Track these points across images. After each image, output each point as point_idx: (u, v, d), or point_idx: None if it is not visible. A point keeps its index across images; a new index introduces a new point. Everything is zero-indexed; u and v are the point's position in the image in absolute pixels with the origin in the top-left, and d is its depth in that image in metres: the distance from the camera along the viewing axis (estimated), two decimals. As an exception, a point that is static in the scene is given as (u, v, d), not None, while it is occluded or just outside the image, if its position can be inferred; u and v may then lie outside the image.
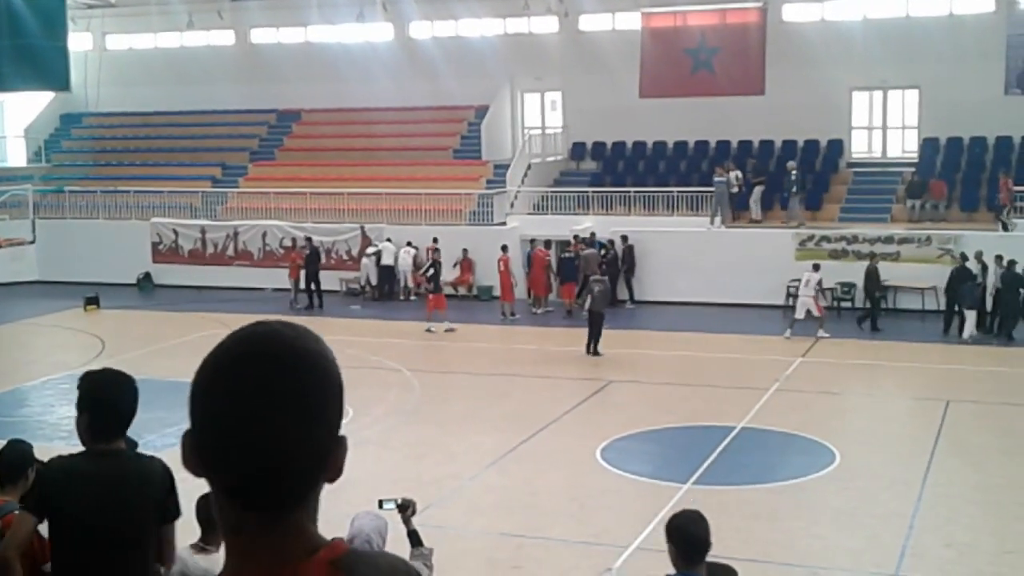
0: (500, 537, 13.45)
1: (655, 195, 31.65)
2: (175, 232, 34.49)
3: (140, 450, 6.84)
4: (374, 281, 31.46)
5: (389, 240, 31.39)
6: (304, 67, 37.75)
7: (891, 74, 32.03)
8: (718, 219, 30.04)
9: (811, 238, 28.42)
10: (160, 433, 17.39)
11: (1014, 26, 29.76)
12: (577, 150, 35.58)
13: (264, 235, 33.39)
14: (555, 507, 14.55)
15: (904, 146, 33.04)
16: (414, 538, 6.65)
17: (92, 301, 30.53)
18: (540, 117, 36.90)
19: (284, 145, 38.27)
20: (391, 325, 27.36)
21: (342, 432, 1.86)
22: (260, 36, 39.44)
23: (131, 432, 7.61)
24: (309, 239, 31.12)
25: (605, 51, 34.06)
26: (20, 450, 6.50)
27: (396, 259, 31.06)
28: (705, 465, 15.84)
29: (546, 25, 35.57)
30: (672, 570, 5.72)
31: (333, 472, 1.84)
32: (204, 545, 6.71)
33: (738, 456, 16.43)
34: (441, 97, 35.85)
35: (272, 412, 1.76)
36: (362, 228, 32.16)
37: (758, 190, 30.90)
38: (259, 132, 38.97)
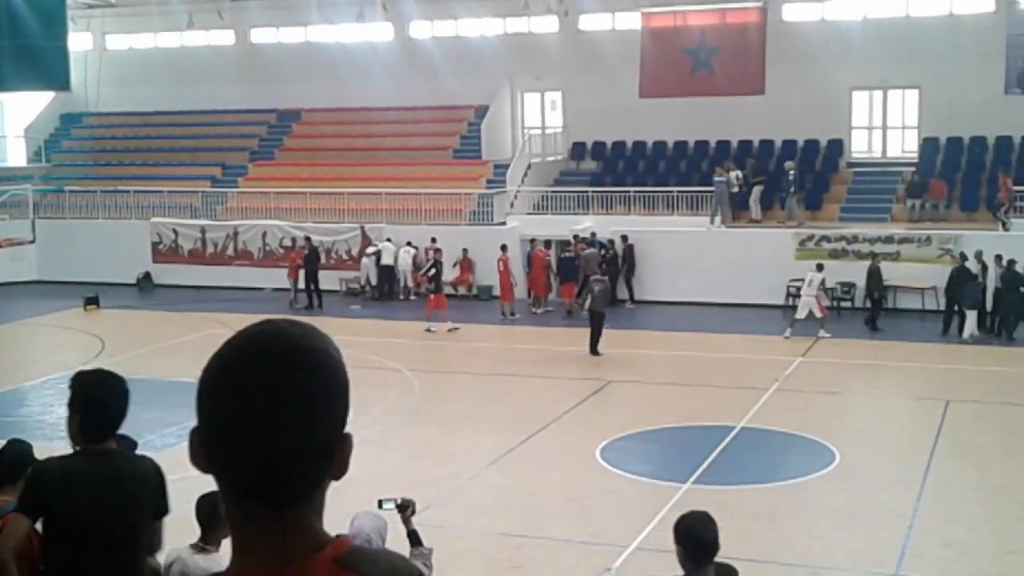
0: (500, 537, 13.45)
1: (655, 195, 31.65)
2: (175, 232, 34.49)
3: (140, 450, 6.85)
4: (374, 281, 31.47)
5: (389, 240, 31.39)
6: (304, 67, 37.75)
7: (891, 74, 32.03)
8: (718, 219, 30.04)
9: (811, 238, 28.42)
10: (160, 433, 17.42)
11: (1014, 26, 29.76)
12: (577, 150, 35.58)
13: (264, 235, 33.40)
14: (555, 507, 14.55)
15: (904, 146, 33.03)
16: (414, 538, 6.65)
17: (92, 301, 30.53)
18: (540, 117, 36.90)
19: (284, 145, 38.27)
20: (391, 325, 27.37)
21: (346, 430, 1.87)
22: (260, 36, 39.44)
23: (131, 432, 7.63)
24: (308, 239, 31.12)
25: (605, 51, 34.06)
26: (20, 450, 6.50)
27: (396, 259, 31.06)
28: (705, 465, 15.84)
29: (546, 25, 35.57)
30: (680, 571, 5.72)
31: (339, 470, 1.86)
32: (204, 545, 6.71)
33: (738, 456, 16.43)
34: (441, 97, 35.85)
35: (278, 410, 1.78)
36: (362, 228, 32.16)
37: (757, 190, 30.90)
38: (259, 132, 38.98)
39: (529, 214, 32.18)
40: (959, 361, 22.83)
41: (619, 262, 29.23)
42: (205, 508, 6.73)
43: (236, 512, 1.84)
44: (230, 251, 33.91)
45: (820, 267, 25.51)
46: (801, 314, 24.72)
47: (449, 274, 29.57)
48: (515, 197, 32.61)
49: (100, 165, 38.98)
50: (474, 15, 35.75)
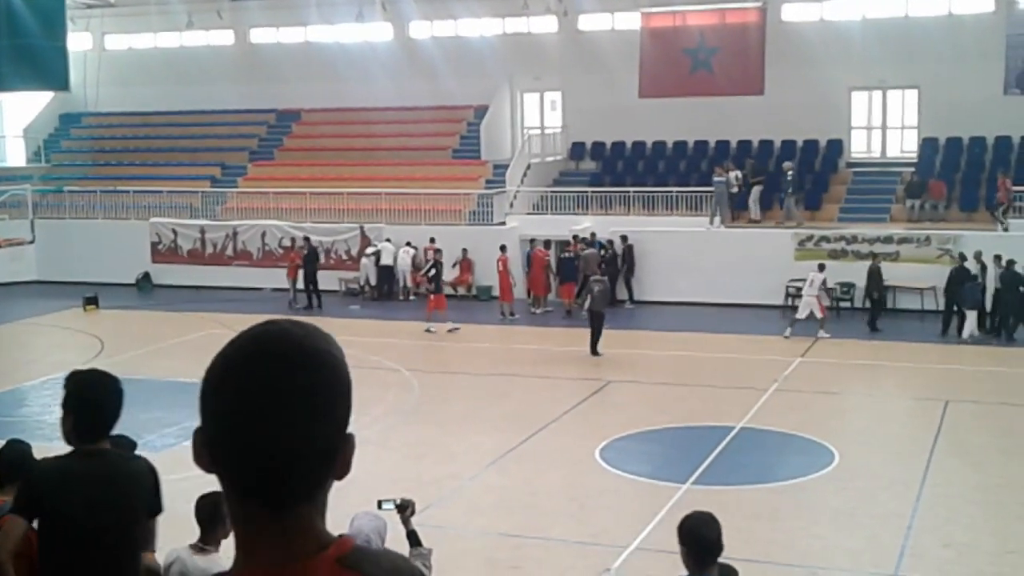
0: (499, 537, 13.45)
1: (654, 195, 31.66)
2: (174, 232, 34.49)
3: (139, 450, 6.85)
4: (373, 281, 31.46)
5: (388, 240, 31.39)
6: (303, 67, 37.75)
7: (890, 74, 32.04)
8: (717, 219, 30.04)
9: (810, 238, 28.43)
10: (159, 433, 17.42)
11: (1013, 26, 29.77)
12: (576, 150, 35.59)
13: (263, 235, 33.40)
14: (554, 507, 14.55)
15: (903, 146, 33.05)
16: (413, 538, 6.65)
17: (91, 301, 30.52)
18: (539, 117, 36.91)
19: (283, 145, 38.27)
20: (390, 325, 27.37)
21: (349, 430, 1.88)
22: (259, 36, 39.44)
23: (130, 432, 7.63)
24: (307, 239, 31.12)
25: (604, 51, 34.07)
26: (19, 450, 6.50)
27: (395, 259, 31.06)
28: (704, 465, 15.84)
29: (545, 25, 35.58)
30: (683, 571, 5.73)
31: (341, 470, 1.87)
32: (203, 545, 6.71)
33: (737, 456, 16.43)
34: (440, 97, 35.85)
35: (280, 410, 1.79)
36: (361, 228, 32.16)
37: (756, 190, 30.91)
38: (258, 132, 38.98)
39: (528, 214, 32.18)
40: (958, 361, 22.83)
41: (619, 262, 29.23)
42: (205, 508, 6.73)
43: (239, 512, 1.85)
44: (229, 251, 33.91)
45: (822, 267, 25.51)
46: (802, 314, 24.72)
47: (448, 274, 29.57)
48: (514, 197, 32.61)
49: (99, 165, 38.98)
50: (473, 15, 35.76)
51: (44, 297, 32.63)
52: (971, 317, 24.47)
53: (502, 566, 12.59)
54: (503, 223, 31.57)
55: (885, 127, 33.32)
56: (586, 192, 32.33)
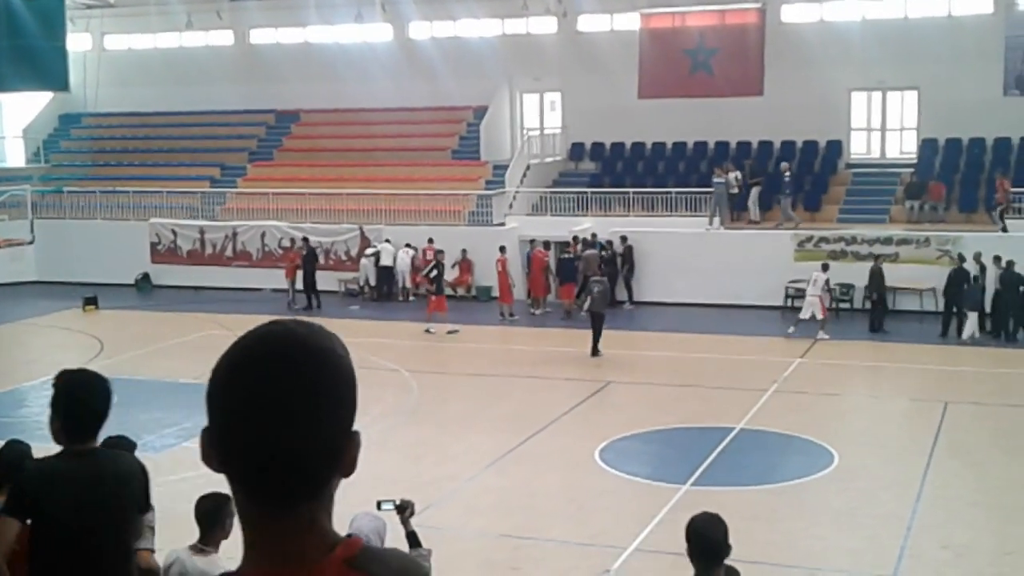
0: (498, 538, 13.45)
1: (654, 196, 31.66)
2: (174, 232, 34.48)
3: (139, 451, 6.86)
4: (373, 282, 31.46)
5: (388, 241, 31.39)
6: (303, 67, 37.75)
7: (890, 75, 32.05)
8: (716, 220, 30.04)
9: (810, 239, 28.42)
10: (159, 434, 17.44)
11: (1012, 27, 29.79)
12: (576, 151, 35.59)
13: (263, 236, 33.39)
14: (553, 508, 14.55)
15: (903, 147, 33.06)
16: (412, 539, 6.66)
17: (90, 301, 30.52)
18: (539, 118, 36.91)
19: (283, 146, 38.26)
20: (390, 326, 27.36)
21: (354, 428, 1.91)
22: (259, 36, 39.44)
23: (129, 432, 7.63)
24: (306, 239, 31.14)
25: (604, 52, 34.06)
26: (18, 450, 6.51)
27: (395, 260, 31.06)
28: (704, 466, 15.85)
29: (545, 26, 35.58)
30: (686, 572, 5.74)
31: (347, 467, 1.89)
32: (203, 546, 6.71)
33: (737, 457, 16.43)
34: (440, 98, 35.86)
35: (286, 408, 1.81)
36: (361, 229, 32.16)
37: (755, 191, 30.90)
38: (258, 133, 38.97)
39: (528, 215, 32.18)
40: (958, 362, 22.84)
41: (619, 263, 29.23)
42: (205, 509, 6.73)
43: (247, 511, 1.87)
44: (229, 252, 33.91)
45: (825, 267, 25.51)
46: (805, 314, 24.78)
47: (448, 275, 29.55)
48: (514, 198, 32.61)
49: (99, 166, 38.97)
50: (473, 16, 35.76)
51: (43, 297, 32.61)
52: (972, 318, 24.47)
53: (501, 567, 12.59)
54: (502, 224, 31.57)
55: (884, 128, 33.32)
56: (585, 193, 32.33)
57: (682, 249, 29.09)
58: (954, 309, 25.07)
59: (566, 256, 28.96)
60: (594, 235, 29.54)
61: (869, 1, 32.13)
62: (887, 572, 12.15)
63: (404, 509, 6.69)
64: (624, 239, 29.39)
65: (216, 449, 1.86)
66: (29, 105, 39.91)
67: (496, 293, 29.15)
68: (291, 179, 35.11)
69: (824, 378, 21.66)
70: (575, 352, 23.58)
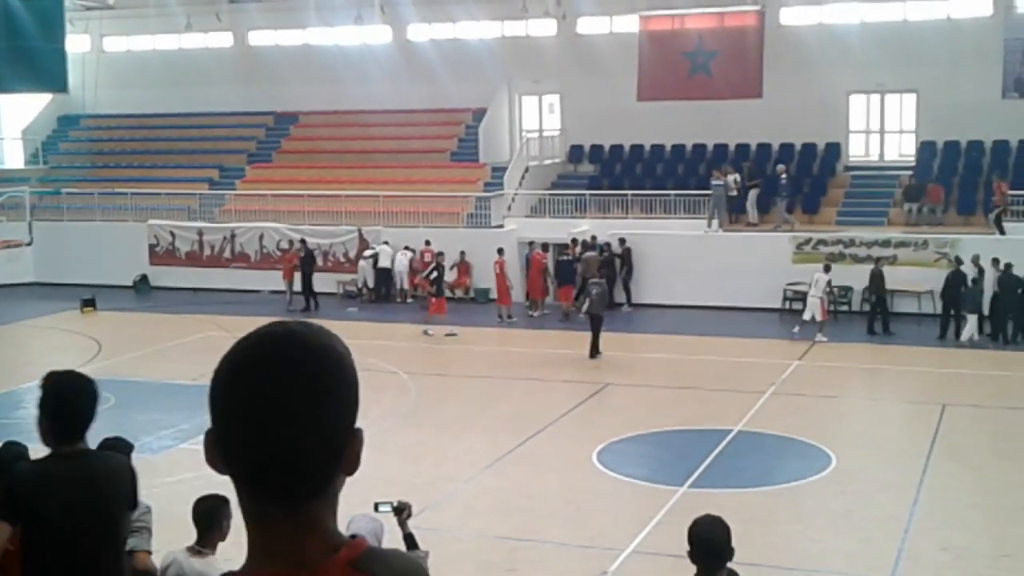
0: (495, 540, 13.45)
1: (652, 198, 31.67)
2: (172, 234, 34.48)
3: (136, 452, 6.86)
4: (371, 283, 31.47)
5: (386, 243, 31.39)
6: (302, 69, 37.75)
7: (889, 78, 32.07)
8: (715, 222, 30.05)
9: (808, 241, 28.43)
10: (156, 435, 17.44)
11: (1011, 30, 29.83)
12: (575, 153, 35.60)
13: (261, 237, 33.39)
14: (551, 510, 14.55)
15: (901, 149, 33.08)
16: (410, 541, 6.66)
17: (88, 303, 30.52)
18: (538, 120, 36.92)
19: (281, 147, 38.27)
20: (388, 328, 27.37)
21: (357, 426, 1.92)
22: (258, 38, 39.44)
23: (127, 434, 7.64)
24: (303, 241, 31.15)
25: (603, 54, 34.09)
26: (16, 452, 6.52)
27: (393, 262, 31.06)
28: (701, 468, 15.85)
29: (544, 28, 35.60)
30: (687, 574, 5.75)
31: (350, 465, 1.90)
32: (200, 548, 6.71)
33: (734, 459, 16.43)
34: (439, 100, 35.88)
35: (288, 407, 1.82)
36: (359, 230, 32.16)
37: (753, 193, 30.90)
38: (257, 134, 38.97)
39: (527, 217, 32.17)
40: (956, 365, 22.85)
41: (617, 265, 29.22)
42: (202, 511, 6.73)
43: (251, 511, 1.88)
44: (227, 253, 33.91)
45: (827, 268, 25.53)
46: (808, 315, 24.85)
47: (447, 276, 29.56)
48: (512, 200, 32.61)
49: (97, 167, 38.96)
50: (472, 18, 35.78)
51: (42, 299, 32.61)
52: (971, 321, 24.47)
53: (498, 569, 12.59)
54: (501, 226, 31.58)
55: (883, 131, 33.33)
56: (584, 195, 32.33)
57: (680, 251, 29.10)
58: (952, 312, 25.09)
59: (564, 258, 28.96)
60: (594, 237, 29.55)
61: (868, 4, 32.16)
62: (885, 574, 12.15)
63: (401, 511, 6.69)
64: (623, 241, 29.40)
65: (219, 450, 1.87)
66: (28, 106, 39.92)
67: (494, 295, 29.15)
68: (290, 181, 35.12)
69: (822, 380, 21.67)
70: (573, 354, 23.58)
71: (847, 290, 27.30)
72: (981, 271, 25.09)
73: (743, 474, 15.74)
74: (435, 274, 26.94)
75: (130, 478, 5.28)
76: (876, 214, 30.38)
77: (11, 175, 37.54)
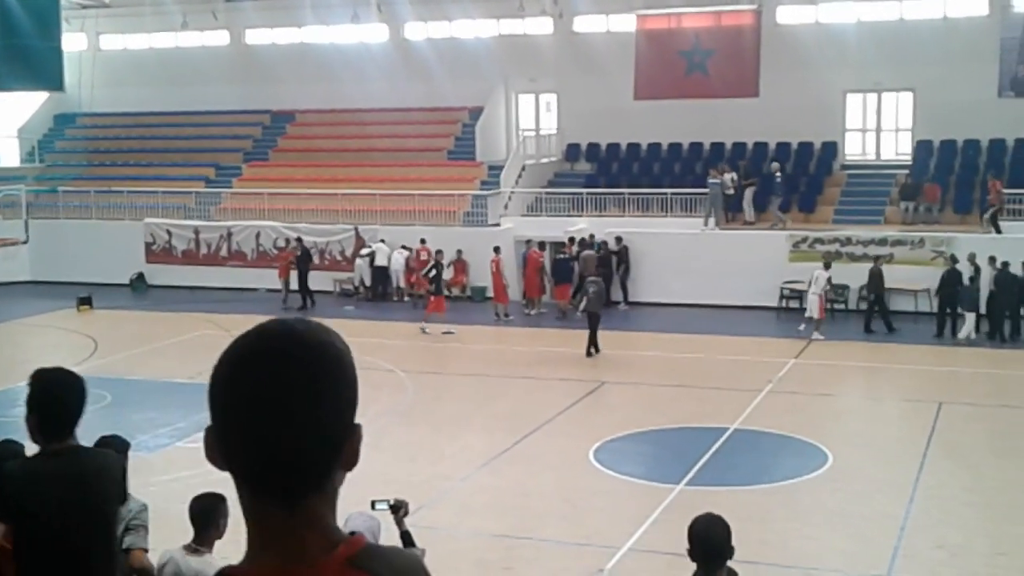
0: (491, 538, 13.46)
1: (649, 196, 31.69)
2: (168, 232, 34.46)
3: (133, 451, 6.86)
4: (368, 282, 31.46)
5: (383, 241, 31.39)
6: (298, 68, 37.74)
7: (885, 76, 32.09)
8: (712, 221, 30.07)
9: (805, 240, 28.46)
10: (153, 433, 17.44)
11: (1007, 29, 29.85)
12: (571, 151, 35.60)
13: (258, 236, 33.37)
14: (547, 508, 14.55)
15: (898, 148, 33.11)
16: (406, 539, 6.66)
17: (85, 301, 30.49)
18: (534, 118, 36.92)
19: (278, 146, 38.25)
20: (384, 326, 27.35)
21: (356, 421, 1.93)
22: (255, 37, 39.41)
23: (124, 432, 7.63)
24: (299, 239, 31.15)
25: (600, 53, 34.09)
26: (13, 450, 6.52)
27: (389, 260, 31.05)
28: (698, 466, 15.86)
29: (541, 26, 35.60)
30: (685, 572, 5.76)
31: (349, 460, 1.91)
32: (197, 546, 6.71)
33: (731, 457, 16.45)
34: (435, 98, 35.87)
35: (287, 402, 1.83)
36: (356, 229, 32.15)
37: (750, 192, 30.92)
38: (253, 133, 38.95)
39: (523, 215, 32.17)
40: (952, 363, 22.88)
41: (614, 263, 29.22)
42: (199, 509, 6.74)
43: (250, 506, 1.88)
44: (224, 252, 33.89)
45: (827, 265, 25.56)
46: (810, 312, 24.92)
47: (444, 274, 29.57)
48: (509, 198, 32.62)
49: (94, 165, 38.93)
50: (469, 16, 35.78)
51: (38, 297, 32.59)
52: (969, 319, 24.49)
53: (494, 567, 12.59)
54: (498, 224, 31.57)
55: (879, 129, 33.36)
56: (581, 193, 32.35)
57: (677, 250, 29.11)
58: (948, 310, 25.12)
59: (561, 257, 28.96)
60: (591, 236, 29.55)
61: (864, 3, 32.18)
62: (881, 572, 12.17)
63: (398, 509, 6.69)
64: (619, 239, 29.41)
65: (219, 446, 1.87)
66: (24, 105, 39.85)
67: (491, 293, 29.15)
68: (286, 179, 35.11)
69: (819, 378, 21.69)
70: (570, 352, 23.59)
71: (843, 288, 27.32)
72: (978, 269, 25.12)
73: (739, 472, 15.76)
74: (434, 272, 26.93)
75: (119, 472, 5.29)
76: (872, 213, 30.40)
77: (7, 173, 37.46)
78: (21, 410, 5.17)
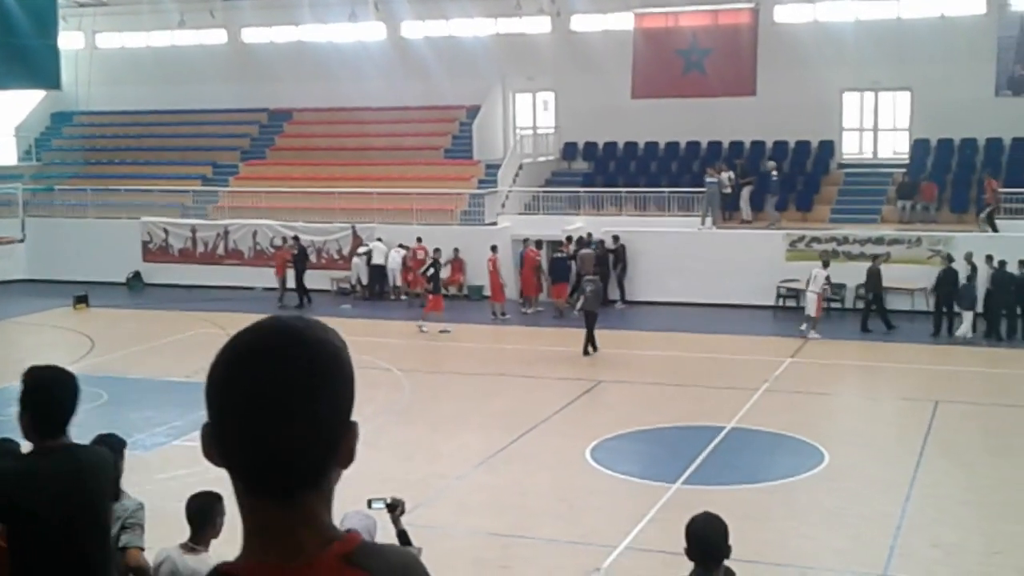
0: (488, 537, 13.46)
1: (646, 195, 31.70)
2: (165, 231, 34.44)
3: (130, 449, 6.86)
4: (365, 280, 31.46)
5: (380, 240, 31.39)
6: (296, 66, 37.72)
7: (882, 75, 32.11)
8: (709, 220, 30.09)
9: (802, 239, 28.47)
10: (149, 432, 17.43)
11: (1005, 28, 29.87)
12: (569, 150, 35.60)
13: (255, 234, 33.36)
14: (544, 507, 14.56)
15: (895, 147, 33.13)
16: (403, 538, 6.66)
17: (81, 300, 30.48)
18: (532, 117, 36.92)
19: (275, 144, 38.24)
20: (381, 324, 27.35)
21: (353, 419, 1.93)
22: (252, 35, 39.40)
23: (120, 431, 7.63)
24: (296, 238, 31.14)
25: (597, 51, 34.09)
26: (9, 449, 6.51)
27: (387, 259, 31.05)
28: (695, 465, 15.87)
29: (538, 25, 35.59)
30: (682, 571, 5.76)
31: (345, 457, 1.92)
32: (193, 545, 6.71)
33: (727, 456, 16.46)
34: (433, 97, 35.87)
35: (283, 400, 1.83)
36: (353, 228, 32.14)
37: (747, 191, 30.94)
38: (250, 131, 38.94)
39: (520, 214, 32.19)
40: (949, 362, 22.90)
41: (611, 262, 29.23)
42: (196, 508, 6.74)
43: (247, 503, 1.89)
44: (220, 250, 33.88)
45: (826, 264, 25.57)
46: (808, 311, 24.93)
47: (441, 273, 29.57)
48: (506, 197, 32.62)
49: (91, 164, 38.92)
50: (466, 15, 35.77)
51: (34, 296, 32.56)
52: (967, 317, 24.51)
53: (491, 566, 12.60)
54: (495, 223, 31.58)
55: (877, 128, 33.38)
56: (578, 192, 32.36)
57: (674, 248, 29.12)
58: (944, 309, 25.14)
59: (558, 255, 28.96)
60: (589, 235, 29.55)
61: (862, 2, 32.19)
62: (877, 571, 12.19)
63: (395, 508, 6.69)
64: (616, 238, 29.41)
65: (216, 443, 1.88)
66: (21, 103, 39.82)
67: (488, 292, 29.15)
68: (283, 178, 35.10)
69: (815, 377, 21.71)
70: (567, 351, 23.59)
71: (840, 287, 27.33)
72: (974, 268, 25.14)
73: (736, 471, 15.76)
74: (432, 271, 26.93)
75: (111, 469, 5.29)
76: (869, 211, 30.43)
77: (4, 172, 37.46)
78: (17, 409, 5.17)
